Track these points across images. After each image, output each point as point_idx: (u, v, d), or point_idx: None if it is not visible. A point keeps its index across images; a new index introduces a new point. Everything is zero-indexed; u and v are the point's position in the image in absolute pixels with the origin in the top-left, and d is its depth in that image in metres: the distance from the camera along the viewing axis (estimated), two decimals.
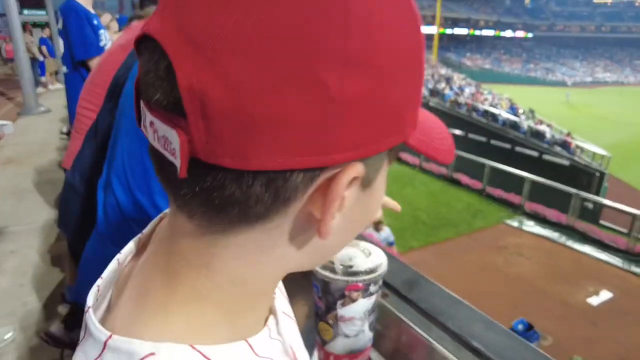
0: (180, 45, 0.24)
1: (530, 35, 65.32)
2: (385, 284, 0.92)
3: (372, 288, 0.71)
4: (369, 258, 0.72)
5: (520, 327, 5.87)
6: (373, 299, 0.73)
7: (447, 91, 20.46)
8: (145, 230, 0.40)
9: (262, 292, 0.34)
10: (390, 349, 0.88)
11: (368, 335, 0.75)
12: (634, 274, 8.52)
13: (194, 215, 0.28)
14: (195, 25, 0.24)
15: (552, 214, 10.85)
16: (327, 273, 0.69)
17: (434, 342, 0.81)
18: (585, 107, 35.12)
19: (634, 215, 9.65)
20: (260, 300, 0.35)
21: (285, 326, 0.38)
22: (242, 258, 0.30)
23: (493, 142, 16.89)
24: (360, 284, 0.69)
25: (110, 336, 0.28)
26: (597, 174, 13.86)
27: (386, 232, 4.79)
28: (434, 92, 20.27)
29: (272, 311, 0.38)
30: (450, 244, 9.23)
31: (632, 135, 25.18)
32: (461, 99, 19.48)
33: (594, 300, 7.45)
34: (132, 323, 0.29)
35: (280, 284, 0.46)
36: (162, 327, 0.28)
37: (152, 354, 0.26)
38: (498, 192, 11.98)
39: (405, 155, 14.48)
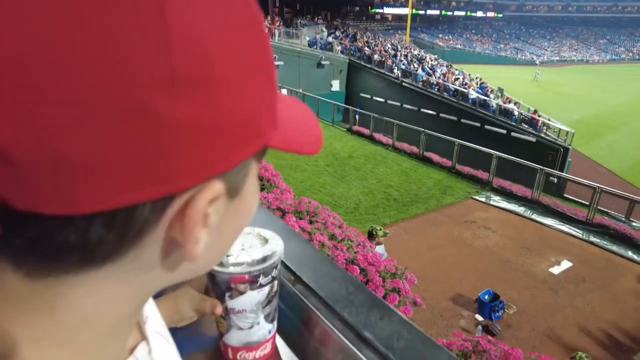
0: None
1: (500, 15, 66.00)
2: (291, 271, 0.89)
3: (263, 279, 0.66)
4: (263, 247, 0.67)
5: (486, 297, 6.11)
6: (265, 290, 0.68)
7: (419, 72, 20.57)
8: None
9: (123, 324, 0.31)
10: (299, 339, 0.84)
11: (266, 327, 0.71)
12: (592, 243, 8.93)
13: (22, 265, 0.24)
14: None
15: (518, 189, 11.21)
16: None
17: (337, 333, 0.77)
18: (552, 85, 36.03)
19: (594, 188, 10.06)
20: (122, 331, 0.32)
21: (159, 350, 0.35)
22: (96, 294, 0.27)
23: (463, 120, 17.20)
24: (246, 276, 0.65)
25: None
26: (562, 149, 14.35)
27: (381, 249, 4.67)
28: (406, 73, 20.34)
29: (142, 336, 0.35)
30: (421, 219, 9.43)
31: (595, 112, 26.08)
32: (433, 79, 19.63)
33: (555, 270, 7.79)
34: None
35: (150, 299, 0.41)
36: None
37: None
38: (467, 169, 12.25)
39: (379, 136, 14.61)
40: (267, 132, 0.29)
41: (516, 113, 16.34)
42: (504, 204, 10.65)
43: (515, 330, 6.10)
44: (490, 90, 20.18)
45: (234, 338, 0.71)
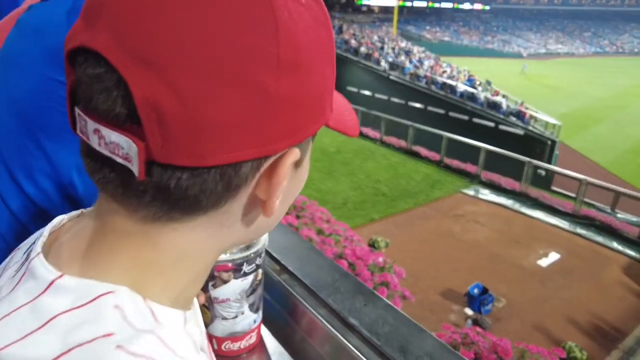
0: (128, 60, 0.25)
1: (487, 7, 66.25)
2: (277, 261, 0.88)
3: (246, 268, 0.66)
4: None
5: (475, 291, 6.13)
6: (249, 279, 0.67)
7: (407, 64, 20.52)
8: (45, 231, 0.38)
9: (204, 268, 0.36)
10: (285, 329, 0.85)
11: (250, 317, 0.71)
12: (579, 235, 9.03)
13: (142, 209, 0.30)
14: (139, 39, 0.26)
15: (506, 182, 11.24)
16: None
17: (322, 320, 0.78)
18: (539, 77, 36.32)
19: (580, 181, 10.15)
20: (201, 275, 0.37)
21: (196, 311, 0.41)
22: (191, 238, 0.32)
23: (451, 114, 17.22)
24: (230, 264, 0.64)
25: (61, 275, 0.30)
26: (549, 142, 14.45)
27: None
28: (394, 66, 20.28)
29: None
30: (410, 214, 9.43)
31: (581, 105, 26.37)
32: (420, 72, 19.61)
33: (543, 262, 7.86)
34: (83, 271, 0.31)
35: None
36: (116, 279, 0.30)
37: (111, 292, 0.29)
38: (455, 163, 12.28)
39: (367, 130, 14.55)
40: (328, 112, 0.35)
41: (504, 106, 16.40)
42: (493, 197, 10.70)
43: (504, 323, 6.12)
44: (478, 83, 20.25)
45: (218, 328, 0.70)
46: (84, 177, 0.77)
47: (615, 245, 8.72)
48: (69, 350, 0.26)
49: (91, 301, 0.28)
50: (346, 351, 0.72)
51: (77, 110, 0.29)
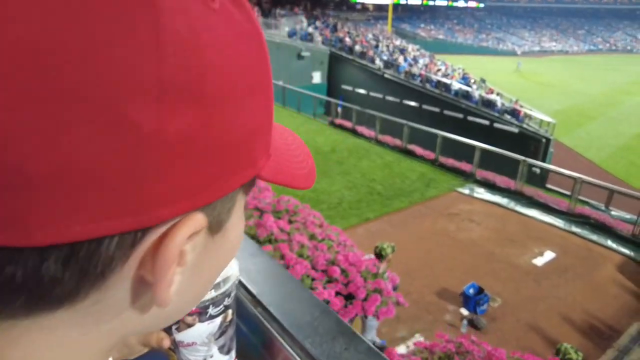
0: None
1: (482, 5, 66.37)
2: (251, 293, 0.82)
3: (213, 310, 0.59)
4: None
5: (471, 291, 6.09)
6: (217, 321, 0.60)
7: (401, 63, 20.50)
8: None
9: None
10: None
11: (220, 359, 0.64)
12: (574, 233, 9.03)
13: None
14: None
15: (501, 180, 11.24)
16: None
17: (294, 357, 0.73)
18: (533, 75, 36.46)
19: (575, 179, 10.16)
20: None
21: None
22: (53, 342, 0.22)
23: (446, 112, 17.22)
24: (193, 307, 0.57)
25: None
26: (544, 140, 14.48)
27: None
28: (388, 64, 20.25)
29: None
30: (405, 213, 9.40)
31: (575, 102, 26.51)
32: (415, 70, 19.59)
33: (538, 261, 7.85)
34: None
35: None
36: None
37: None
38: (450, 162, 12.26)
39: (361, 129, 14.51)
40: (260, 160, 0.26)
41: (499, 104, 16.42)
42: (488, 196, 10.69)
43: (499, 323, 6.11)
44: (472, 81, 20.25)
45: None
46: None
47: (609, 243, 8.73)
48: None
49: None
50: None
51: None
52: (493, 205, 10.23)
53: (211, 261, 0.27)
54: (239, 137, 0.23)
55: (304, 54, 21.09)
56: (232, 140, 0.23)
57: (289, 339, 0.74)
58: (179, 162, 0.20)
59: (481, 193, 10.89)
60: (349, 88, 20.65)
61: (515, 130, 15.30)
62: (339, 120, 15.60)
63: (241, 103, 0.23)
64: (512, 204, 10.31)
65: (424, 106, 17.81)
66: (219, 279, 0.58)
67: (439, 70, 21.00)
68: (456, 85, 17.91)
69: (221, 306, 0.60)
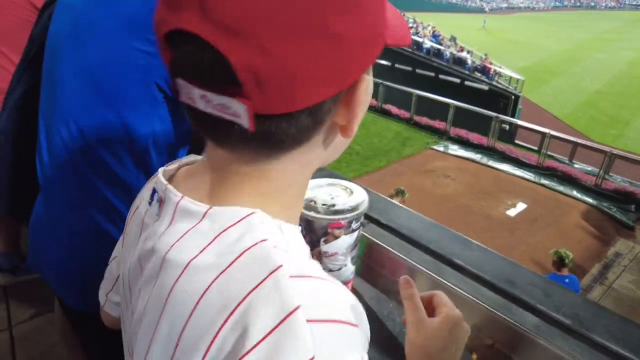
0: (217, 34, 0.29)
1: None
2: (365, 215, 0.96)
3: (354, 225, 0.73)
4: (351, 197, 0.74)
5: None
6: (355, 235, 0.74)
7: None
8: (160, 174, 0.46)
9: (304, 190, 0.45)
10: (375, 276, 0.92)
11: (350, 268, 0.78)
12: (543, 185, 9.54)
13: (250, 153, 0.37)
14: (222, 13, 0.29)
15: (474, 137, 11.59)
16: (310, 213, 0.70)
17: (416, 264, 0.85)
18: (501, 32, 36.69)
19: (543, 134, 10.60)
20: (302, 196, 0.45)
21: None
22: (292, 167, 0.40)
23: (418, 70, 17.28)
24: (343, 222, 0.71)
25: (210, 207, 0.38)
26: (513, 97, 14.86)
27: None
28: None
29: None
30: (383, 171, 9.63)
31: (540, 59, 27.01)
32: None
33: (511, 212, 8.29)
34: (222, 202, 0.38)
35: None
36: (248, 205, 0.37)
37: (253, 212, 0.37)
38: (425, 120, 12.48)
39: None
40: (384, 32, 0.37)
41: (469, 62, 16.60)
42: (461, 152, 11.03)
43: None
44: (442, 38, 20.26)
45: None
46: (159, 147, 0.78)
47: (575, 193, 9.29)
48: (241, 254, 0.34)
49: (242, 219, 0.36)
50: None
51: (179, 81, 0.33)
52: (467, 161, 10.59)
53: (362, 110, 0.40)
54: (376, 23, 0.35)
55: None
56: (375, 27, 0.35)
57: (410, 246, 0.89)
58: (359, 48, 0.33)
59: (455, 150, 11.22)
60: None
61: (486, 87, 15.58)
62: None
63: (375, 3, 0.35)
64: (484, 159, 10.71)
65: (397, 65, 17.80)
66: (357, 201, 0.72)
67: (410, 28, 20.84)
68: (428, 43, 17.91)
69: (360, 222, 0.74)
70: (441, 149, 11.23)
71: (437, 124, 12.22)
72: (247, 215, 0.36)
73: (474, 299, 0.79)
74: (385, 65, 17.96)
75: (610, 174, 9.82)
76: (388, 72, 17.10)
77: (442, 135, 11.97)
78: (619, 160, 9.75)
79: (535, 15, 51.57)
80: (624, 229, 8.22)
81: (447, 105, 12.04)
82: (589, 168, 10.35)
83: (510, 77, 15.98)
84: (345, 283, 0.78)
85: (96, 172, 0.76)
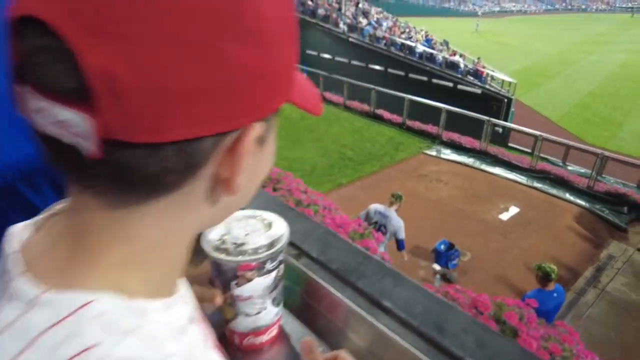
0: (80, 30, 0.23)
1: None
2: (295, 246, 0.89)
3: (269, 265, 0.65)
4: (268, 232, 0.66)
5: (442, 247, 6.38)
6: (272, 275, 0.67)
7: (365, 26, 20.26)
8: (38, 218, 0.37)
9: (178, 254, 0.36)
10: (307, 312, 0.85)
11: (272, 311, 0.71)
12: (536, 189, 9.52)
13: (105, 193, 0.29)
14: (93, 9, 0.23)
15: (467, 140, 11.58)
16: (217, 255, 0.62)
17: (348, 302, 0.79)
18: (493, 35, 36.94)
19: (536, 137, 10.60)
20: (177, 261, 0.37)
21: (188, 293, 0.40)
22: (159, 225, 0.32)
23: (411, 75, 17.31)
24: (253, 263, 0.63)
25: (45, 291, 0.29)
26: (505, 100, 14.88)
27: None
28: (352, 27, 19.97)
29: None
30: (376, 177, 9.59)
31: (533, 62, 27.18)
32: (379, 33, 19.44)
33: (504, 216, 8.26)
34: (64, 282, 0.29)
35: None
36: (97, 284, 0.30)
37: (91, 301, 0.28)
38: (417, 124, 12.47)
39: (329, 95, 14.45)
40: (291, 88, 0.33)
41: (462, 65, 16.64)
42: (454, 156, 11.02)
43: (470, 276, 6.46)
44: (435, 42, 20.34)
45: (241, 324, 0.70)
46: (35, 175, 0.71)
47: (567, 196, 9.27)
48: None
49: (71, 314, 0.27)
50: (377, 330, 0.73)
51: (18, 88, 0.26)
52: (459, 165, 10.57)
53: (259, 167, 0.36)
54: (284, 68, 0.31)
55: None
56: (280, 70, 0.31)
57: (339, 282, 0.80)
58: (252, 83, 0.28)
59: (448, 154, 11.21)
60: (314, 53, 20.29)
61: (478, 91, 15.61)
62: None
63: (285, 42, 0.31)
64: (477, 163, 10.69)
65: (390, 70, 17.81)
66: (273, 237, 0.65)
67: (403, 32, 20.93)
68: (420, 47, 17.95)
69: (276, 261, 0.66)
70: (434, 153, 11.21)
71: (430, 128, 12.22)
72: (81, 307, 0.27)
73: (405, 346, 0.70)
74: (378, 70, 18.00)
75: (603, 175, 9.81)
76: (381, 76, 17.14)
77: (435, 139, 11.96)
78: (612, 162, 9.75)
79: (528, 18, 52.04)
80: (616, 231, 8.19)
81: (439, 109, 12.03)
82: (582, 170, 10.35)
83: (503, 81, 16.02)
84: (267, 327, 0.72)
85: None
